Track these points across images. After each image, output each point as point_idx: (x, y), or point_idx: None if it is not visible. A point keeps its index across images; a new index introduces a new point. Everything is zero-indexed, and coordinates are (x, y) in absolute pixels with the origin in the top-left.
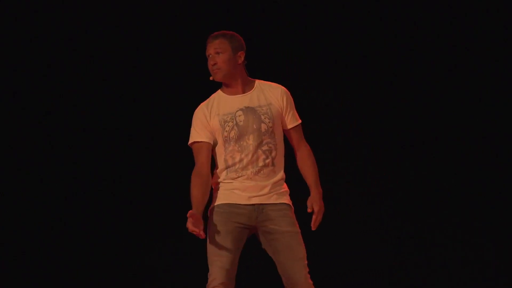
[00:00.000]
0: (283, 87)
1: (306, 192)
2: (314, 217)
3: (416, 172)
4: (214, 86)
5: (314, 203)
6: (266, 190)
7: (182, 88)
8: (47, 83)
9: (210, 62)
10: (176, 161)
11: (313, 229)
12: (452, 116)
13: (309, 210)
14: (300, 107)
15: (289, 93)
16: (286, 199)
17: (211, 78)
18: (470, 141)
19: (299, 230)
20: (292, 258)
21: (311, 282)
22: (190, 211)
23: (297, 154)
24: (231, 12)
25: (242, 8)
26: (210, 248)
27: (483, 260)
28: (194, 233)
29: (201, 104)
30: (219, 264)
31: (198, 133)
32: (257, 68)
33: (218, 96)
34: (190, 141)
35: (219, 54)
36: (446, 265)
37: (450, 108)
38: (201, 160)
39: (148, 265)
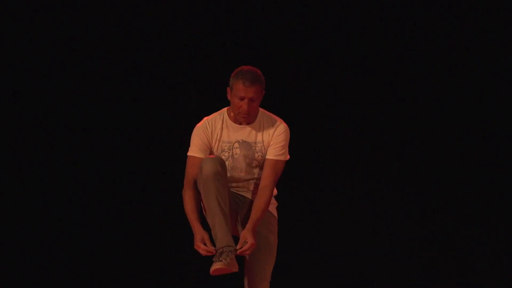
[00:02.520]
0: (283, 124)
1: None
2: (246, 247)
3: (416, 172)
4: (215, 90)
5: (249, 237)
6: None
7: (182, 88)
8: (47, 83)
9: (243, 107)
10: (176, 161)
11: (237, 253)
12: (452, 116)
13: (242, 240)
14: (301, 107)
15: (287, 131)
16: (272, 209)
17: (230, 113)
18: (470, 140)
19: (277, 241)
20: (261, 261)
21: None
22: (196, 243)
23: (260, 187)
24: (231, 11)
25: (242, 7)
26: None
27: (484, 260)
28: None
29: (204, 119)
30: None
31: (197, 149)
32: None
33: (223, 119)
34: (189, 153)
35: (254, 101)
36: (447, 264)
37: (450, 108)
38: (193, 174)
39: (148, 265)
